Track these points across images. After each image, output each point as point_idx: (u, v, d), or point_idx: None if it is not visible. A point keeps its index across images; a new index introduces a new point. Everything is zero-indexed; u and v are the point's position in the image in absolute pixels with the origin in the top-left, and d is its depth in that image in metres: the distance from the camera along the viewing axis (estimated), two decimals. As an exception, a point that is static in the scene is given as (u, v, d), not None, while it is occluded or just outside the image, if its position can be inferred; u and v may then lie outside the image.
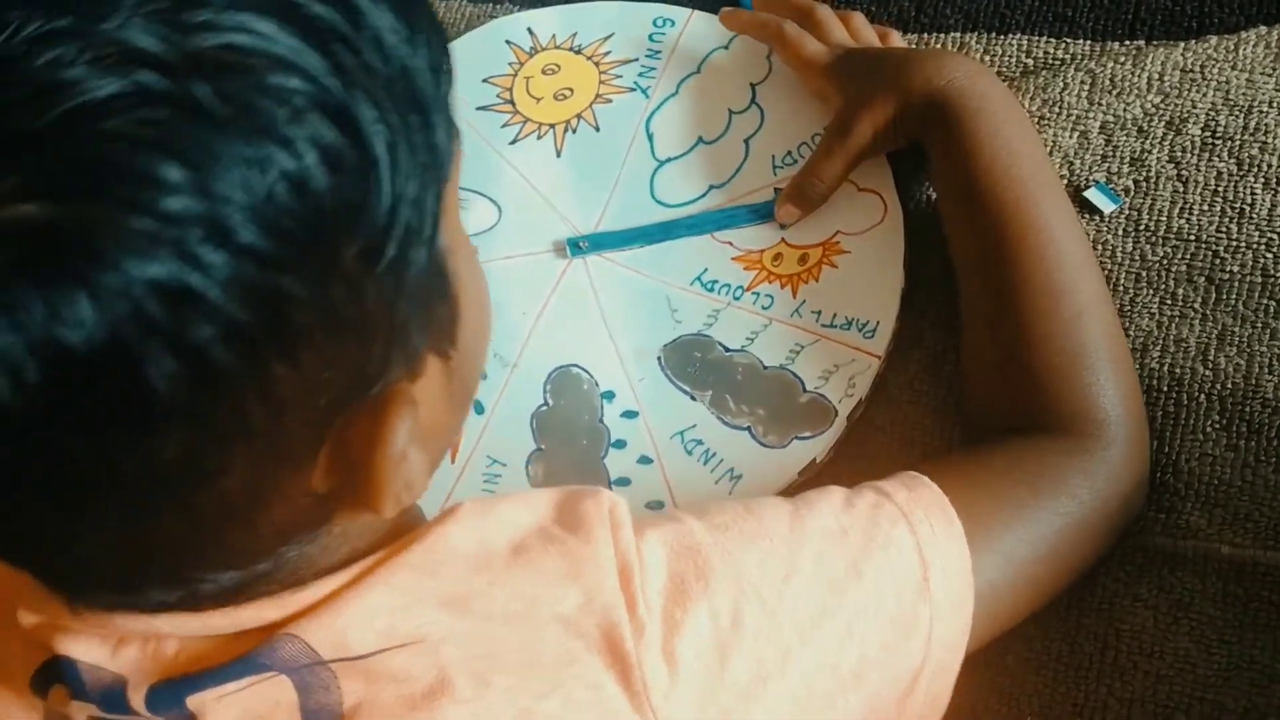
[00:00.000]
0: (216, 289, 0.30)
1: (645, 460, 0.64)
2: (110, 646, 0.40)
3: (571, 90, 0.75)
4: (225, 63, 0.30)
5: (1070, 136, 0.65)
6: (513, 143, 0.74)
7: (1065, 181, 0.64)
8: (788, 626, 0.45)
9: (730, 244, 0.68)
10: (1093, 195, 0.62)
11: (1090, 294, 0.57)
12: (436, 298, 0.38)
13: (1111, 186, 0.63)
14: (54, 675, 0.41)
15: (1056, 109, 0.65)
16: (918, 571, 0.47)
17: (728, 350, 0.65)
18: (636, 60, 0.74)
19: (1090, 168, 0.64)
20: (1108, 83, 0.65)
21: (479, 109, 0.75)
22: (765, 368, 0.65)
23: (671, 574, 0.44)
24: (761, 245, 0.68)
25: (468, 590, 0.42)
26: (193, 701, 0.39)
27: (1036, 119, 0.65)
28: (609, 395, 0.66)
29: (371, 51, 0.33)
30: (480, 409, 0.67)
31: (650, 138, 0.72)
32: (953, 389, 0.62)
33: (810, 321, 0.65)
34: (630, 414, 0.65)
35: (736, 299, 0.67)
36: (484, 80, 0.76)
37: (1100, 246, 0.62)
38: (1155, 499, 0.57)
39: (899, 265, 0.65)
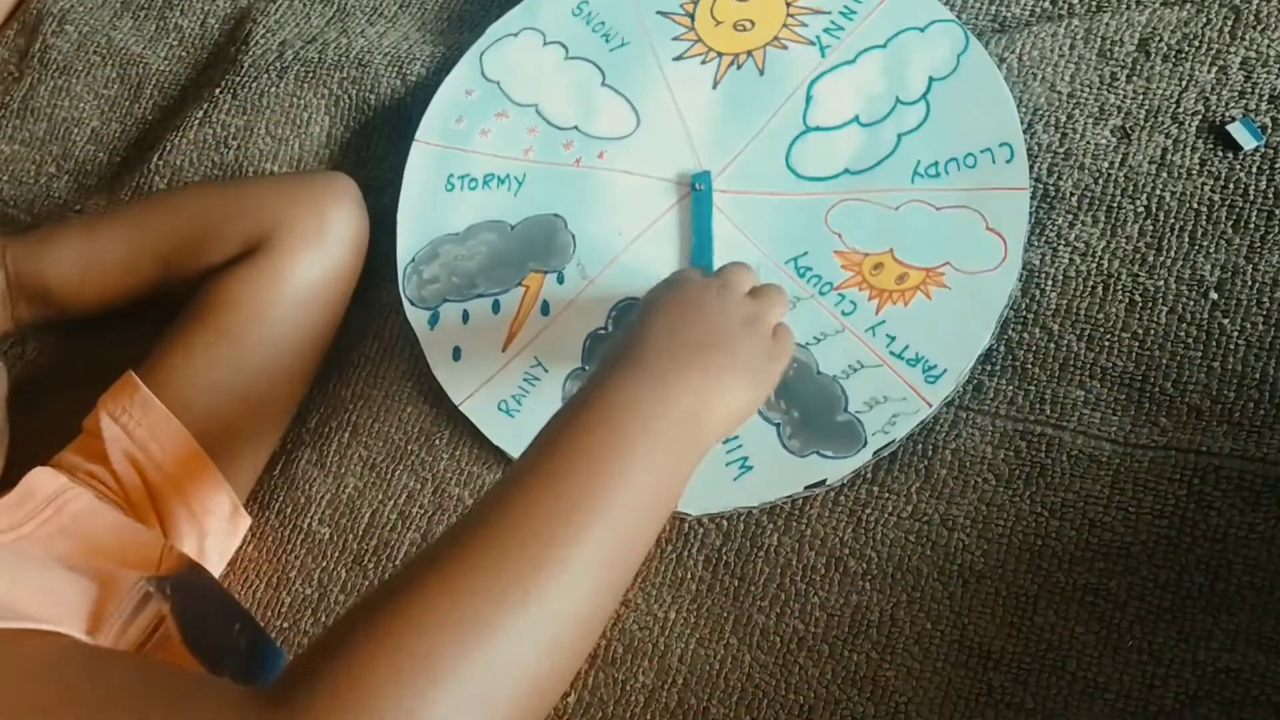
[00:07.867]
0: None
1: (673, 417, 0.64)
2: None
3: (753, 23, 0.72)
4: None
5: (1209, 71, 0.63)
6: (676, 59, 0.72)
7: (1200, 117, 0.62)
8: None
9: (840, 235, 0.66)
10: (1236, 130, 0.61)
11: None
12: None
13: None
14: None
15: (1196, 43, 0.64)
16: None
17: (791, 342, 0.64)
18: (829, 13, 0.70)
19: (1227, 103, 0.62)
20: (1252, 18, 0.64)
21: (659, 13, 0.73)
22: (818, 373, 0.63)
23: None
24: (869, 248, 0.65)
25: None
26: None
27: (1174, 52, 0.63)
28: (665, 342, 0.66)
29: None
30: (546, 310, 0.68)
31: (809, 100, 0.69)
32: (1001, 474, 0.59)
33: (881, 344, 0.62)
34: (677, 368, 0.65)
35: (821, 294, 0.65)
36: (676, -15, 0.74)
37: (1232, 184, 0.61)
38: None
39: (994, 319, 0.61)
